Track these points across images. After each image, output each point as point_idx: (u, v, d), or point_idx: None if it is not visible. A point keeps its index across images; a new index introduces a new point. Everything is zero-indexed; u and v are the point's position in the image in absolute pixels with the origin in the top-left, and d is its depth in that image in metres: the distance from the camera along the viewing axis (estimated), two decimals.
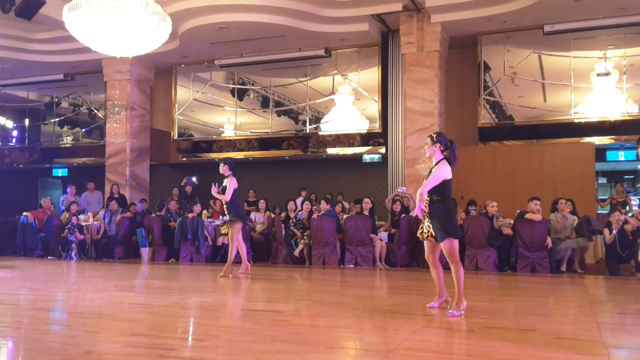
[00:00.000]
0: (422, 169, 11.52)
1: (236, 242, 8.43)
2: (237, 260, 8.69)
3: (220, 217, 11.68)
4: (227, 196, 8.25)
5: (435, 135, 5.46)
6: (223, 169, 8.42)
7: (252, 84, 14.35)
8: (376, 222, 10.82)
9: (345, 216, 10.83)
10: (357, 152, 13.37)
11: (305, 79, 13.59)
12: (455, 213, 5.39)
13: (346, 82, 13.23)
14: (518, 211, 9.86)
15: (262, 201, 12.02)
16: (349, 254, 10.25)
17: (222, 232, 8.94)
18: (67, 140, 16.16)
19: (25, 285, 7.84)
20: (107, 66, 14.22)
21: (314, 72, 13.53)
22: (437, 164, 5.33)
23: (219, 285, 7.67)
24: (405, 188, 11.44)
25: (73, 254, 11.69)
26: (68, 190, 13.41)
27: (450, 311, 5.17)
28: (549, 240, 9.26)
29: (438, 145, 5.36)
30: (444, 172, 5.24)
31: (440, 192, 5.26)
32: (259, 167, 14.86)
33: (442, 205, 5.25)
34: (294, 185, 14.68)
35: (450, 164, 5.31)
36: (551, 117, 11.83)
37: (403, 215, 10.62)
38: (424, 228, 5.38)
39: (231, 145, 14.33)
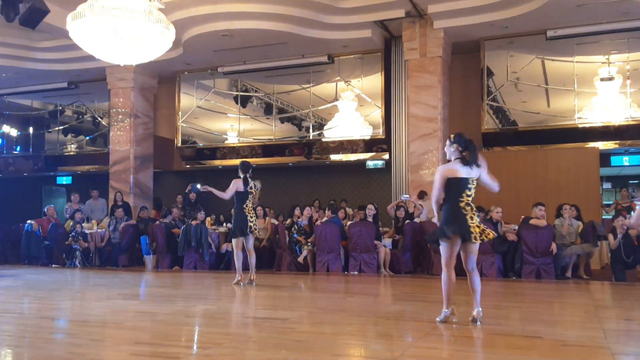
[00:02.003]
0: (426, 175, 11.50)
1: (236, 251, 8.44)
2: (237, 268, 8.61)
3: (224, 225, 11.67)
4: (226, 194, 8.24)
5: (453, 136, 5.34)
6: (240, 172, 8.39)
7: (255, 91, 14.38)
8: (380, 229, 10.80)
9: (348, 223, 10.82)
10: (361, 158, 13.36)
11: (308, 85, 13.60)
12: (452, 215, 5.15)
13: (349, 89, 13.24)
14: (522, 217, 9.83)
15: (259, 208, 12.00)
16: (352, 260, 10.23)
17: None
18: (71, 148, 16.20)
19: (30, 293, 7.84)
20: (111, 74, 14.25)
21: (316, 78, 13.55)
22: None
23: (223, 293, 7.66)
24: (408, 196, 11.43)
25: (77, 262, 11.70)
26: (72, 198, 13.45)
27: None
28: (553, 246, 9.22)
29: (456, 145, 5.23)
30: (441, 171, 5.21)
31: (446, 194, 5.22)
32: (263, 174, 14.77)
33: (445, 207, 5.23)
34: (298, 192, 14.67)
35: (466, 164, 5.17)
36: (555, 122, 11.80)
37: (407, 221, 10.60)
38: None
39: (235, 152, 14.34)
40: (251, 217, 8.25)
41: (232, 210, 8.52)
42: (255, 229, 8.33)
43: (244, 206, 8.24)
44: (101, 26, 7.75)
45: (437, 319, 5.16)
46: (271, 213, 12.60)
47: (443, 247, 5.18)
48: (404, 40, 11.81)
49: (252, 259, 8.43)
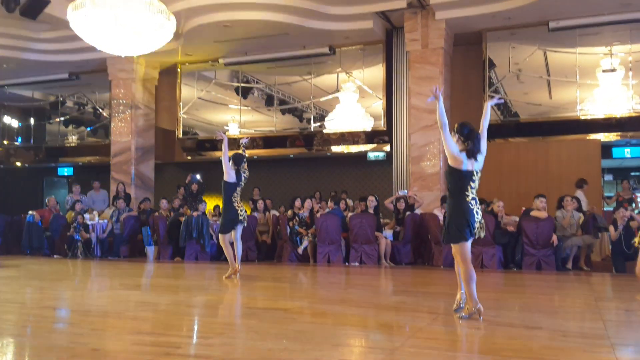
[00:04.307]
0: (427, 167, 11.50)
1: (226, 245, 8.10)
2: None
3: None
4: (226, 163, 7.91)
5: (456, 126, 5.06)
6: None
7: (257, 82, 14.35)
8: (381, 220, 10.81)
9: (349, 214, 10.83)
10: (362, 150, 13.35)
11: (310, 77, 13.57)
12: (462, 214, 4.84)
13: (350, 80, 13.21)
14: (523, 208, 9.83)
15: (260, 202, 11.98)
16: (353, 252, 10.25)
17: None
18: (72, 140, 16.20)
19: (32, 284, 7.87)
20: (112, 65, 14.23)
21: (318, 70, 13.51)
22: None
23: (224, 284, 7.67)
24: (406, 191, 11.43)
25: (79, 253, 11.73)
26: (73, 189, 13.47)
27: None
28: (554, 238, 9.23)
29: (458, 136, 4.96)
30: (457, 153, 4.86)
31: (448, 187, 5.01)
32: (264, 166, 14.86)
33: (451, 202, 4.98)
34: (299, 184, 14.68)
35: (470, 156, 4.87)
36: (557, 114, 11.78)
37: (408, 213, 10.61)
38: None
39: (236, 143, 14.28)
40: (240, 210, 8.03)
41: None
42: (245, 219, 8.14)
43: (233, 199, 8.01)
44: (102, 17, 7.75)
45: (463, 315, 4.86)
46: (270, 205, 12.60)
47: (465, 246, 4.86)
48: (406, 32, 11.77)
49: (240, 248, 8.14)
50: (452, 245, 4.95)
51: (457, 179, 4.89)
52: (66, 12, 7.98)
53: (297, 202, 11.13)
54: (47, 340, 4.28)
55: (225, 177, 7.98)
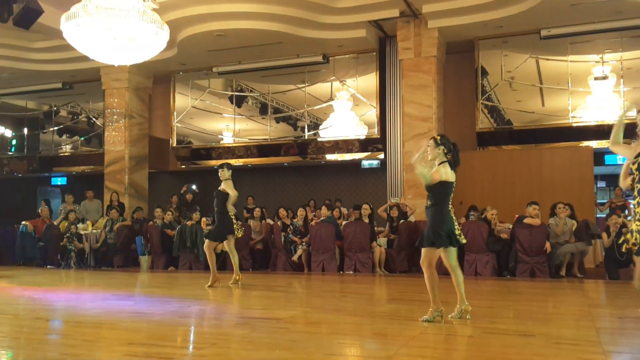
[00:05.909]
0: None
1: (211, 252, 8.20)
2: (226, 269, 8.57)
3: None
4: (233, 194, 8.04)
5: (439, 138, 5.32)
6: (228, 173, 8.18)
7: (251, 91, 14.37)
8: (375, 228, 10.82)
9: (343, 222, 10.84)
10: (356, 158, 13.37)
11: (304, 85, 13.60)
12: (445, 222, 5.12)
13: (344, 88, 13.24)
14: (517, 216, 9.86)
15: (257, 209, 11.95)
16: (348, 260, 10.25)
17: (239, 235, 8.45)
18: (66, 149, 16.16)
19: (25, 294, 7.82)
20: (106, 74, 14.22)
21: (312, 78, 13.55)
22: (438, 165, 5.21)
23: (217, 293, 7.65)
24: (399, 198, 11.46)
25: (72, 263, 11.68)
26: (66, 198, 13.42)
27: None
28: (547, 245, 9.26)
29: (442, 148, 5.23)
30: (440, 173, 5.12)
31: (434, 196, 5.16)
32: (258, 174, 14.86)
33: (433, 210, 5.15)
34: (293, 192, 14.68)
35: (452, 167, 5.21)
36: (549, 121, 11.85)
37: (402, 221, 10.62)
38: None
39: (230, 152, 14.33)
40: (233, 220, 8.13)
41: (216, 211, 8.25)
42: (241, 230, 8.27)
43: (227, 209, 8.07)
44: (95, 26, 7.74)
45: (424, 318, 5.14)
46: (265, 213, 12.57)
47: (430, 251, 5.12)
48: (399, 40, 11.83)
49: (236, 259, 8.27)
50: (422, 249, 5.13)
51: (442, 190, 5.13)
52: (59, 22, 7.97)
53: (282, 211, 11.14)
54: (39, 352, 4.26)
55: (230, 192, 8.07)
